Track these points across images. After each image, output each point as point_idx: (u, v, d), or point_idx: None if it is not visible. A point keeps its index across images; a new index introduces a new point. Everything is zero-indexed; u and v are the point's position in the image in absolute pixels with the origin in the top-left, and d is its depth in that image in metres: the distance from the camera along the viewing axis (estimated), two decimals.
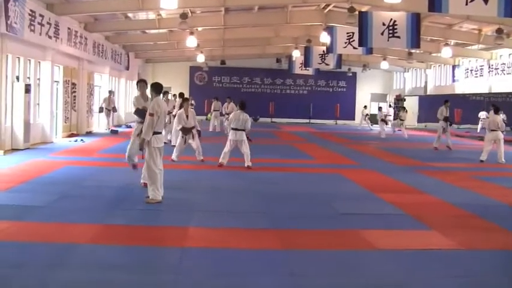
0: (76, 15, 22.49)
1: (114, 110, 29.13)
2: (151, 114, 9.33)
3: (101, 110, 28.20)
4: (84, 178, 11.67)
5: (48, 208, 8.81)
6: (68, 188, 10.65)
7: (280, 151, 20.07)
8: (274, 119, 46.04)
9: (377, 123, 33.64)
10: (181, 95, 20.09)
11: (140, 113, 10.37)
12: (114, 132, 26.34)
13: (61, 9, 20.60)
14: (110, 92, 29.52)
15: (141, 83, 10.73)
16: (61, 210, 8.75)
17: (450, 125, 23.89)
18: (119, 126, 31.06)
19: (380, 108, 35.73)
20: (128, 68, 34.61)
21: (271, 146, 22.62)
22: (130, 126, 29.96)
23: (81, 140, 21.88)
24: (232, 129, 14.82)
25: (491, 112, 19.60)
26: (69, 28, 21.74)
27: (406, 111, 34.19)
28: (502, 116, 20.85)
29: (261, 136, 26.17)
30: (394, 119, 37.59)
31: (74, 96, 24.41)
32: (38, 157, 15.67)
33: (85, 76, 25.62)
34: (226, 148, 14.81)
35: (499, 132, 19.11)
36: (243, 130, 14.74)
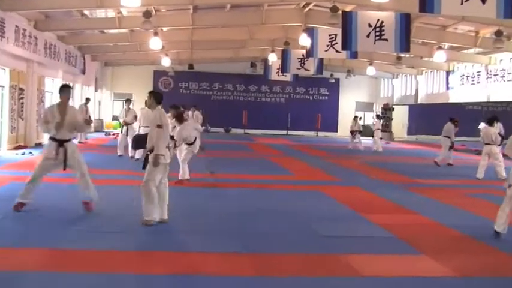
0: (25, 11, 22.32)
1: (89, 121, 28.34)
2: (160, 126, 9.35)
3: None
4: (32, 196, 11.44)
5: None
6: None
7: (254, 165, 20.10)
8: (248, 130, 45.98)
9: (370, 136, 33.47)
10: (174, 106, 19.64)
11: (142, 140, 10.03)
12: None
13: (8, 4, 20.43)
14: (87, 99, 29.42)
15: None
16: (5, 232, 8.62)
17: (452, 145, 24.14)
18: (74, 137, 30.22)
19: (378, 116, 35.65)
20: (83, 72, 34.44)
21: (244, 160, 22.67)
22: (86, 138, 29.71)
23: (30, 152, 21.62)
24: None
25: (485, 124, 19.76)
26: (17, 26, 21.56)
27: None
28: (497, 128, 21.00)
29: (233, 149, 26.47)
30: (382, 131, 37.74)
31: (22, 103, 24.15)
32: None
33: (35, 80, 25.32)
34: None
35: (494, 146, 19.24)
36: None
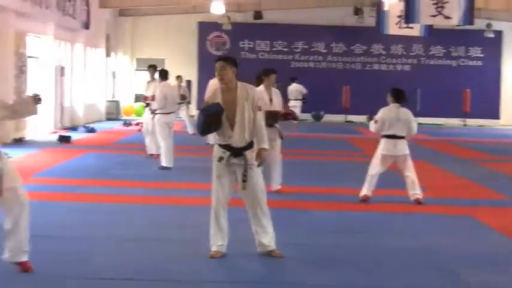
0: None
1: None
2: (260, 109, 8.50)
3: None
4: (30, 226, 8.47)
5: None
6: None
7: (361, 174, 15.45)
8: (351, 117, 37.04)
9: None
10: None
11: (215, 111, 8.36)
12: (63, 139, 21.36)
13: None
14: (179, 77, 25.57)
15: None
16: None
17: None
18: (73, 128, 26.07)
19: None
20: (87, 26, 28.56)
21: (344, 166, 18.51)
22: (92, 129, 25.64)
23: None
24: None
25: None
26: None
27: None
28: None
29: (327, 147, 22.04)
30: None
31: None
32: None
33: (10, 39, 20.44)
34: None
35: None
36: None
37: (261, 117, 8.36)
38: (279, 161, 12.90)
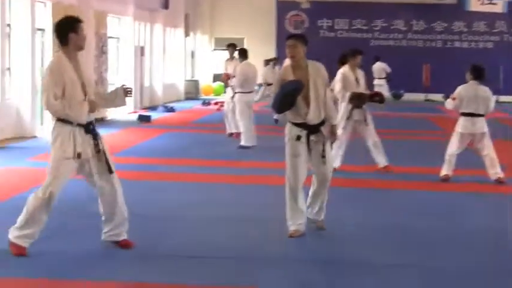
0: None
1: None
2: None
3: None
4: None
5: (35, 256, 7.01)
6: (67, 219, 8.53)
7: (441, 154, 15.14)
8: (431, 96, 35.69)
9: None
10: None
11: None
12: (143, 119, 21.53)
13: None
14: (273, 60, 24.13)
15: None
16: (54, 257, 7.11)
17: None
18: (153, 108, 25.80)
19: None
20: (166, 6, 27.81)
21: (425, 145, 17.99)
22: (172, 109, 25.37)
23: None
24: None
25: None
26: None
27: None
28: None
29: (406, 126, 21.49)
30: None
31: None
32: (8, 163, 13.22)
33: (91, 20, 19.92)
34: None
35: None
36: None
37: (329, 95, 8.24)
38: (378, 140, 12.64)
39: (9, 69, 16.70)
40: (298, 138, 7.74)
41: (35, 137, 16.96)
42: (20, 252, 6.83)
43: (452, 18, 35.76)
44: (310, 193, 8.18)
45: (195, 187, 11.06)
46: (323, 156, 7.89)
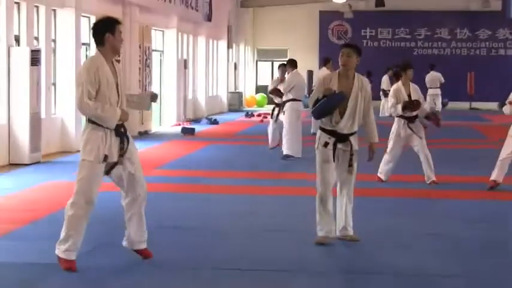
0: None
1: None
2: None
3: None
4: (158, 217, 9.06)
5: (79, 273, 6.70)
6: (107, 232, 8.30)
7: (486, 162, 14.84)
8: (475, 104, 36.11)
9: None
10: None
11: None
12: (187, 131, 21.28)
13: None
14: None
15: None
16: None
17: None
18: (196, 120, 25.83)
19: None
20: (209, 18, 28.01)
21: (470, 154, 17.78)
22: (215, 121, 25.28)
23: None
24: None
25: None
26: None
27: None
28: None
29: (450, 135, 20.99)
30: None
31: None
32: (54, 178, 13.09)
33: (135, 33, 20.27)
34: None
35: None
36: None
37: (372, 112, 8.19)
38: (429, 154, 12.42)
39: (54, 84, 16.75)
40: (326, 145, 7.75)
41: (79, 151, 16.79)
42: (69, 266, 6.60)
43: (496, 25, 35.65)
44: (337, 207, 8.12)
45: (240, 199, 10.99)
46: (350, 165, 7.87)
